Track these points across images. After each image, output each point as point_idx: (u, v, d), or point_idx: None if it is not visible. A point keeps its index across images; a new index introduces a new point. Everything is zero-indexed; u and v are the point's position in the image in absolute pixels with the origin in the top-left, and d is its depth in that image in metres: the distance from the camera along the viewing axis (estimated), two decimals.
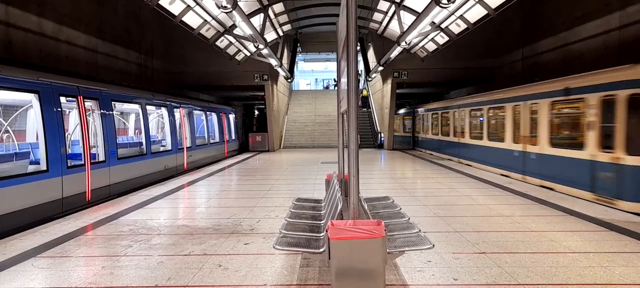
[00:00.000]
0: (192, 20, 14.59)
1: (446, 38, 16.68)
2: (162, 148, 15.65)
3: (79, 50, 16.50)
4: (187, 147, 17.18)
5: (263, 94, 26.97)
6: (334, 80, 45.95)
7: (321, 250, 4.49)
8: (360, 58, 42.20)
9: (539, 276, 4.79)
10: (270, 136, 26.07)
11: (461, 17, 14.52)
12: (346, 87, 4.53)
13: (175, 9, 13.16)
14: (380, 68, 23.32)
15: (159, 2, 11.97)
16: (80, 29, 16.43)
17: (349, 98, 4.46)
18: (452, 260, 5.37)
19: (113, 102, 12.05)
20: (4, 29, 13.16)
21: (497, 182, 11.85)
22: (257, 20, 16.53)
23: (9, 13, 13.33)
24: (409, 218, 5.60)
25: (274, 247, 4.56)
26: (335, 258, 3.92)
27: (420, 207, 8.74)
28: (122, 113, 17.37)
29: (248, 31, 14.26)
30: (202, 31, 15.85)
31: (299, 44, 35.76)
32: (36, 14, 14.39)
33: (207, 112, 21.24)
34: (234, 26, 15.60)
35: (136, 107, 14.14)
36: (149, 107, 14.70)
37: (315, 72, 48.26)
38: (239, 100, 39.33)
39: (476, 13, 14.01)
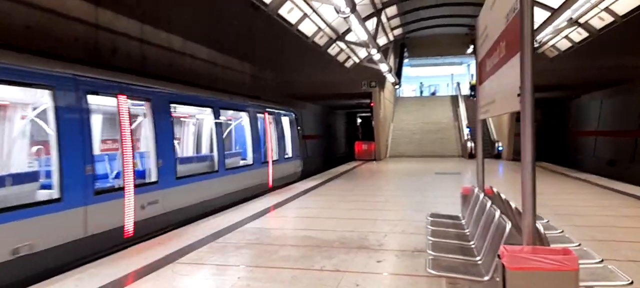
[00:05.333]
0: (307, 28, 14.69)
1: (585, 34, 14.71)
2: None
3: (200, 63, 17.54)
4: (136, 187, 7.39)
5: (368, 101, 26.63)
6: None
7: (486, 278, 3.81)
8: (472, 60, 40.32)
9: None
10: (377, 145, 25.51)
11: (607, 9, 12.64)
12: (521, 89, 3.77)
13: (293, 18, 13.30)
14: None
15: (279, 11, 12.14)
16: (202, 43, 17.48)
17: (524, 103, 3.71)
18: None
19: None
20: (139, 45, 14.37)
21: None
22: (369, 25, 16.16)
23: (143, 31, 14.55)
24: (581, 244, 4.65)
25: (427, 270, 3.98)
26: None
27: (572, 228, 7.50)
28: None
29: (363, 36, 13.93)
30: (316, 39, 15.90)
31: (405, 49, 34.85)
32: (165, 31, 15.54)
33: (224, 111, 11.86)
34: (347, 32, 15.41)
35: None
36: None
37: (421, 77, 46.73)
38: (343, 109, 39.49)
39: (629, 2, 12.07)
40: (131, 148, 7.39)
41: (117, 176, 8.05)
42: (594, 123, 21.53)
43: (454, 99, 33.75)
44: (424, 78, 47.05)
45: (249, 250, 6.35)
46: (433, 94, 44.69)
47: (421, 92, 44.40)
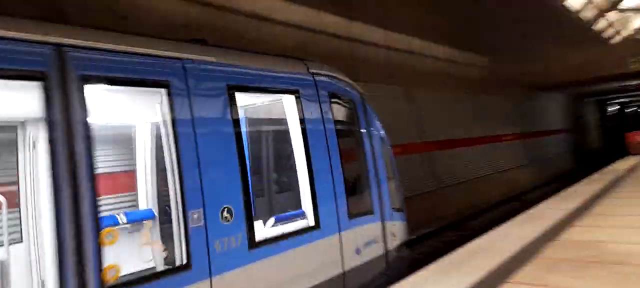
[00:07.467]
0: (573, 2, 12.43)
1: None
2: None
3: (441, 64, 16.87)
4: None
5: (634, 82, 21.55)
6: None
7: None
8: None
9: None
10: None
11: None
12: None
13: None
14: None
15: None
16: (440, 42, 16.79)
17: None
18: None
19: None
20: (385, 52, 14.52)
21: None
22: None
23: (387, 37, 14.64)
24: None
25: None
26: None
27: None
28: None
29: None
30: (581, 14, 13.41)
31: None
32: (407, 34, 15.38)
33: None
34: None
35: None
36: None
37: None
38: (593, 96, 33.51)
39: None
40: None
41: None
42: None
43: None
44: None
45: (599, 270, 5.00)
46: None
47: None
